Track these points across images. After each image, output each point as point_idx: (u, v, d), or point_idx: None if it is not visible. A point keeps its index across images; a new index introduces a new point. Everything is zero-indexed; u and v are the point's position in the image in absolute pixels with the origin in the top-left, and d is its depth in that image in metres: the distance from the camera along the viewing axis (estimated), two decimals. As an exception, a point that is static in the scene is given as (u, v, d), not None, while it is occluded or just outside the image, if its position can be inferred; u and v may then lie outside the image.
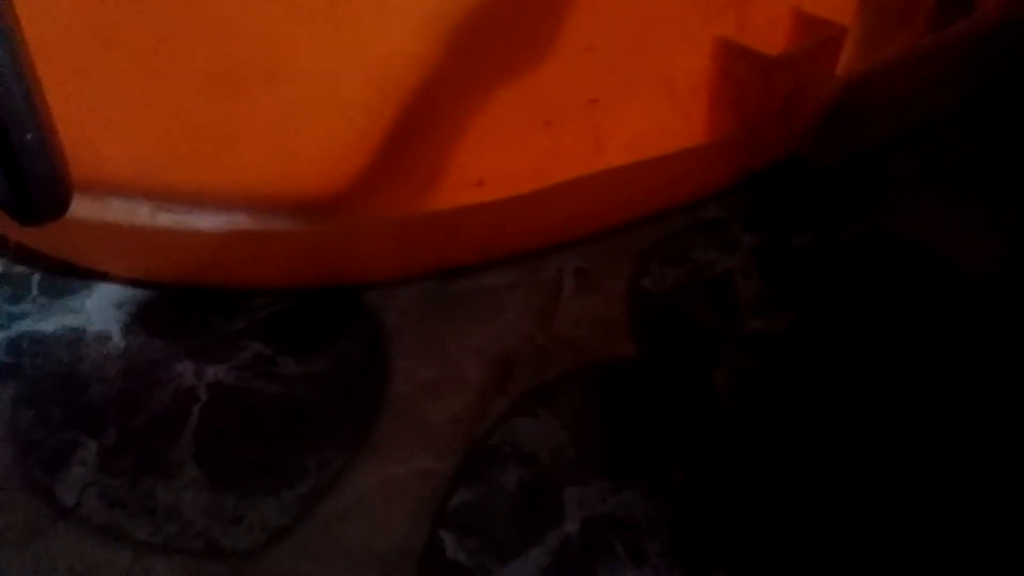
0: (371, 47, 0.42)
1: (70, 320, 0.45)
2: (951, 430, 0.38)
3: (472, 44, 0.43)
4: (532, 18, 0.44)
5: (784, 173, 0.53)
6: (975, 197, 0.51)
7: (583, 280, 0.47)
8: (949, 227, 0.48)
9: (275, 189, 0.46)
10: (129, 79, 0.43)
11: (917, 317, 0.43)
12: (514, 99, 0.45)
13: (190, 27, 0.41)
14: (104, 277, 0.48)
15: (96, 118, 0.44)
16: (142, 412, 0.40)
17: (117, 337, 0.44)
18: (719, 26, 0.49)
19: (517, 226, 0.48)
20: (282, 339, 0.44)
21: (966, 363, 0.40)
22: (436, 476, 0.37)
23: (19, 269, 0.48)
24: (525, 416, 0.39)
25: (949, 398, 0.39)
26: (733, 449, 0.37)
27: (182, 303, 0.46)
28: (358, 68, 0.43)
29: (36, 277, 0.48)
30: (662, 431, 0.38)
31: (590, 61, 0.46)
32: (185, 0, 0.40)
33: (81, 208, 0.43)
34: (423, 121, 0.45)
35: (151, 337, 0.44)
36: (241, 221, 0.46)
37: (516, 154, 0.48)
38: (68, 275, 0.48)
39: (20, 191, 0.35)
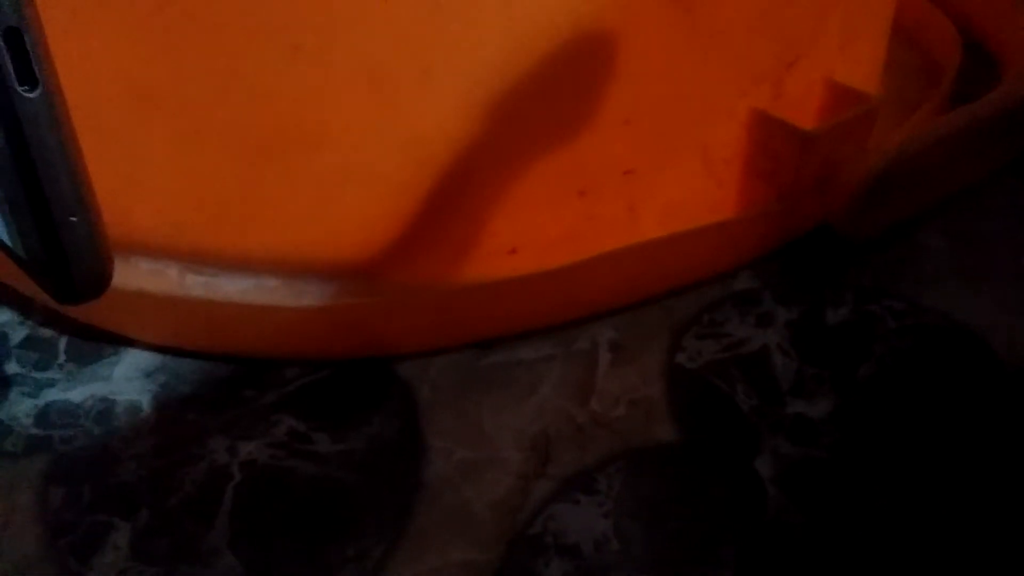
0: (411, 117, 0.42)
1: (98, 389, 0.44)
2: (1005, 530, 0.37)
3: (513, 117, 0.42)
4: (575, 92, 0.44)
5: (816, 241, 0.53)
6: (1007, 273, 0.51)
7: (618, 354, 0.46)
8: (983, 305, 0.48)
9: (307, 256, 0.46)
10: (164, 143, 0.43)
11: (958, 405, 0.43)
12: (550, 169, 0.45)
13: (229, 93, 0.41)
14: (132, 343, 0.47)
15: (127, 180, 0.43)
16: (175, 492, 0.39)
17: (147, 408, 0.43)
18: (755, 98, 0.49)
19: (551, 298, 0.48)
20: (315, 414, 0.43)
21: (1012, 456, 0.40)
22: (479, 569, 0.36)
23: (45, 333, 0.47)
24: (566, 503, 0.38)
25: (999, 496, 0.39)
26: (780, 544, 0.37)
27: (212, 372, 0.45)
28: (397, 138, 0.42)
29: (62, 342, 0.47)
30: (706, 523, 0.38)
31: (628, 133, 0.46)
32: (226, 66, 0.40)
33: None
34: (459, 190, 0.44)
35: (182, 409, 0.43)
36: (271, 285, 0.46)
37: (550, 222, 0.47)
38: (95, 339, 0.47)
39: (62, 273, 0.34)
